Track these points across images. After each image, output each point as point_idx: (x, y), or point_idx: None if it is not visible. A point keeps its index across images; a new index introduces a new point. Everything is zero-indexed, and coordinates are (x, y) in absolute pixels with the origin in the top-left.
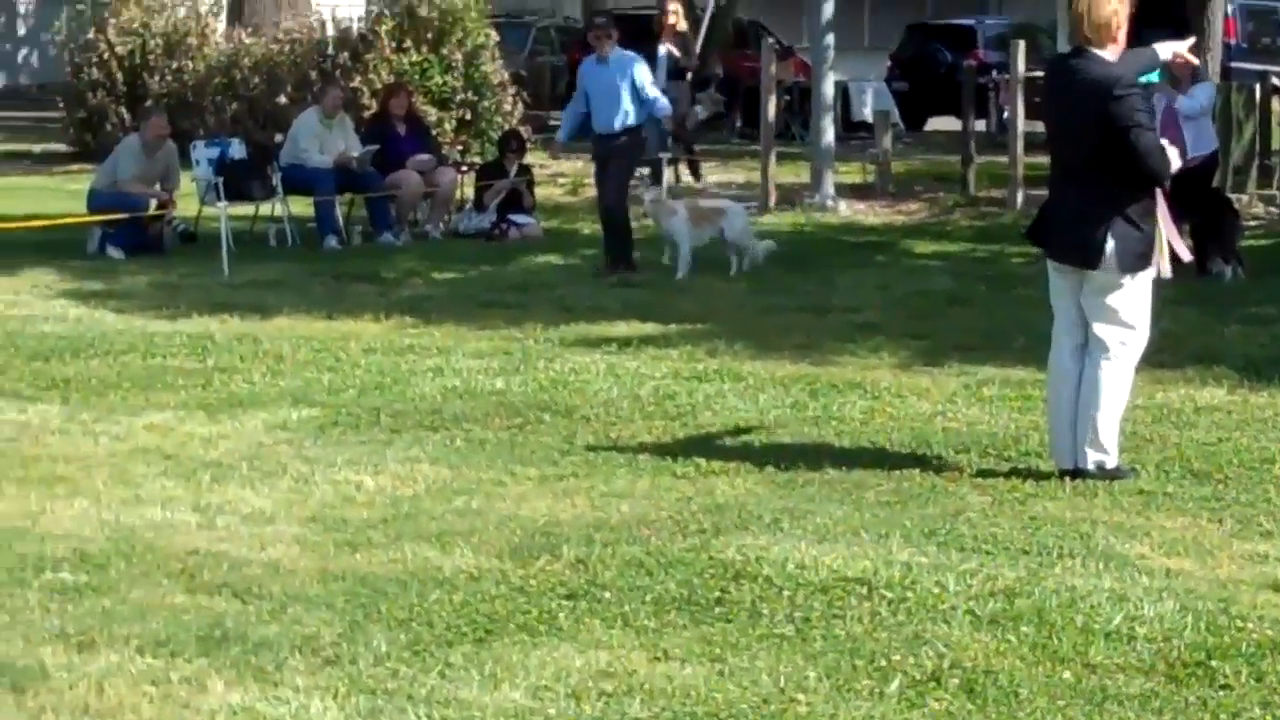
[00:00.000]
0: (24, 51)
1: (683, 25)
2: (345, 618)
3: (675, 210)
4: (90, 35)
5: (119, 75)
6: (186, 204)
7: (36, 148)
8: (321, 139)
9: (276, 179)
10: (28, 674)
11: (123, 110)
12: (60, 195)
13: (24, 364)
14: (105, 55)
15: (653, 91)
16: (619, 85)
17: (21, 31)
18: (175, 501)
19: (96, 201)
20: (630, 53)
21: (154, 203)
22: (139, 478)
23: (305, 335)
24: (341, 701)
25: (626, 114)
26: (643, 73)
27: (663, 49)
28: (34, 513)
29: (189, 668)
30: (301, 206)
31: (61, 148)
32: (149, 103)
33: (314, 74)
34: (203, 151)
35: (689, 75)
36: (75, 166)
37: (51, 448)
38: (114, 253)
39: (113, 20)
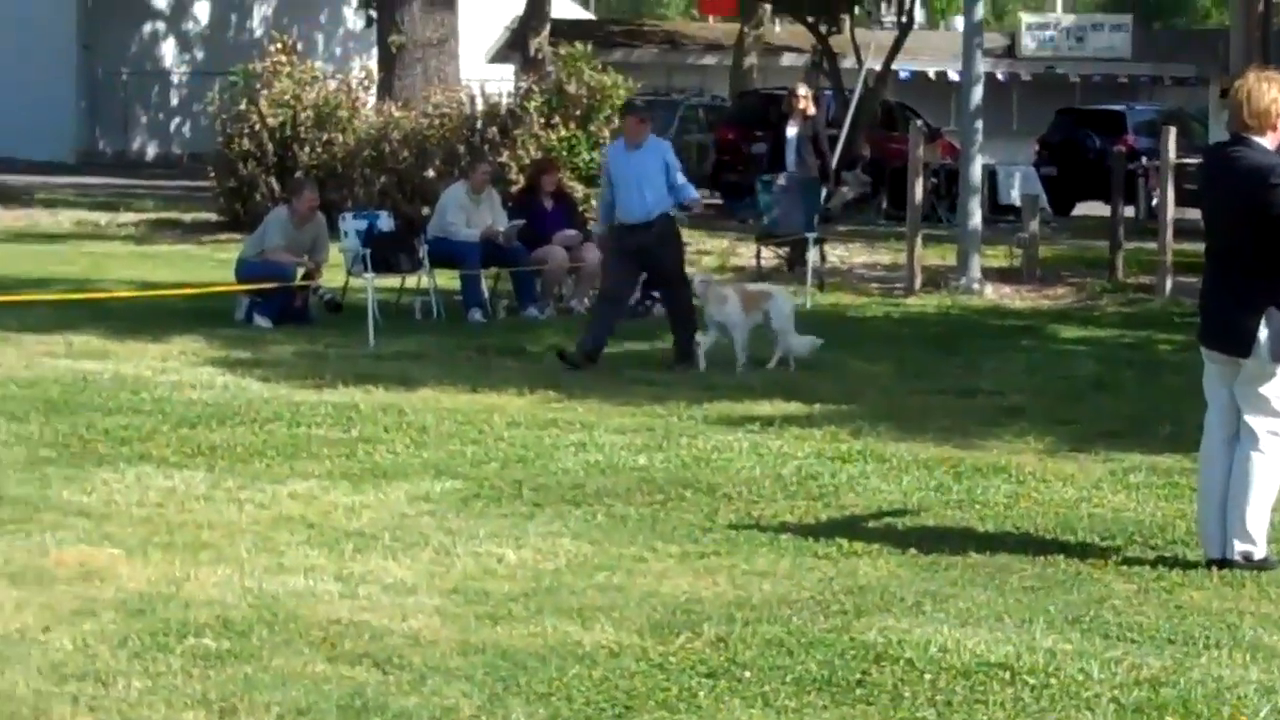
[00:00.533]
0: (176, 121)
1: (811, 109)
2: (485, 690)
3: (726, 297)
4: (242, 106)
5: (270, 146)
6: (334, 275)
7: (187, 216)
8: (469, 213)
9: (423, 252)
10: None
11: (272, 181)
12: (209, 264)
13: (171, 430)
14: (257, 126)
15: (683, 179)
16: (651, 171)
17: (175, 102)
18: (318, 570)
19: (245, 271)
20: (661, 139)
21: (301, 272)
22: (282, 546)
23: (449, 408)
24: None
25: (659, 201)
26: (674, 159)
27: (791, 130)
28: (178, 578)
29: None
30: (447, 280)
31: (212, 217)
32: (299, 174)
33: (462, 148)
34: (351, 223)
35: (829, 157)
36: (225, 235)
37: (196, 514)
38: (261, 322)
39: (265, 92)
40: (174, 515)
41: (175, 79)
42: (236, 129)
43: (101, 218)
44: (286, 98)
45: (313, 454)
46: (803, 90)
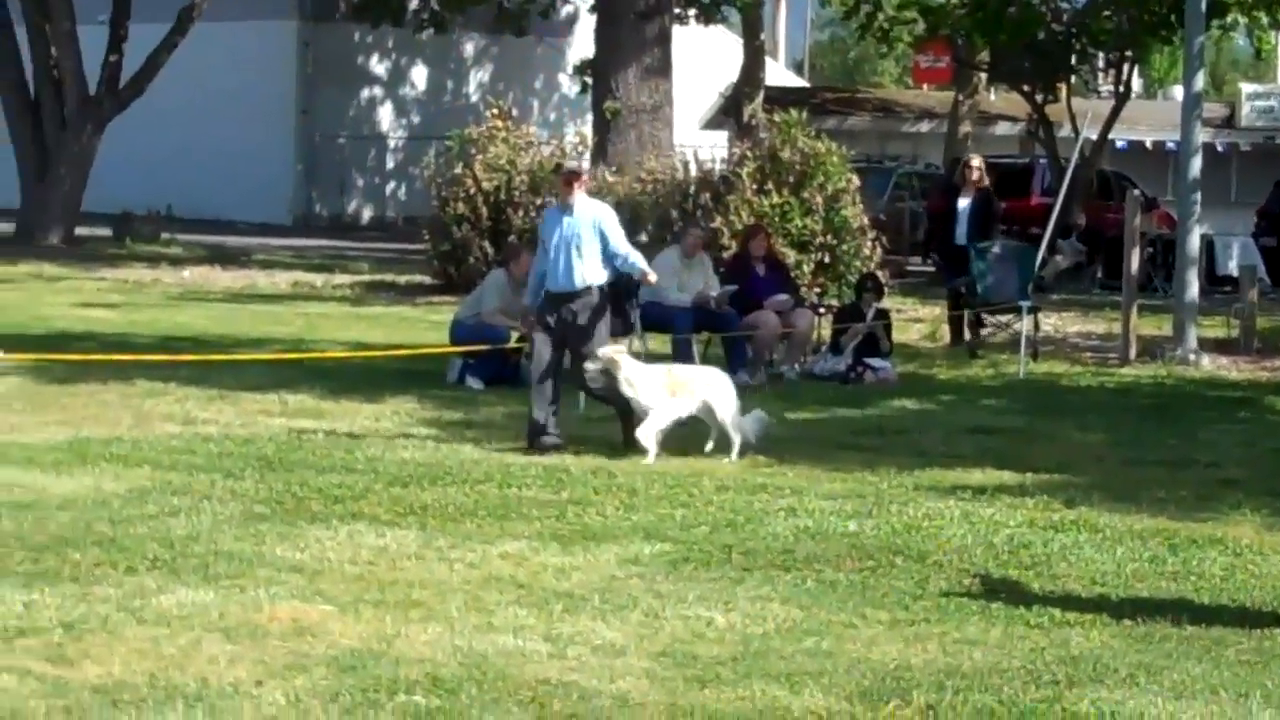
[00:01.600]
0: (391, 185)
1: (985, 181)
2: None
3: (643, 377)
4: (458, 170)
5: (484, 210)
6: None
7: (401, 279)
8: (681, 277)
9: (635, 315)
10: None
11: (486, 244)
12: (422, 325)
13: (384, 489)
14: (471, 190)
15: (624, 248)
16: (581, 237)
17: (390, 165)
18: (527, 630)
19: (459, 333)
20: (600, 203)
21: (515, 336)
22: (492, 605)
23: (659, 471)
24: None
25: (587, 270)
26: (613, 226)
27: (963, 202)
28: (389, 635)
29: None
30: (659, 343)
31: (425, 279)
32: (513, 238)
33: (675, 213)
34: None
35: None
36: (438, 298)
37: (408, 572)
38: (473, 383)
39: (479, 156)
40: (385, 573)
41: (391, 143)
42: (451, 193)
43: (317, 279)
44: (501, 162)
45: (523, 515)
46: (975, 161)
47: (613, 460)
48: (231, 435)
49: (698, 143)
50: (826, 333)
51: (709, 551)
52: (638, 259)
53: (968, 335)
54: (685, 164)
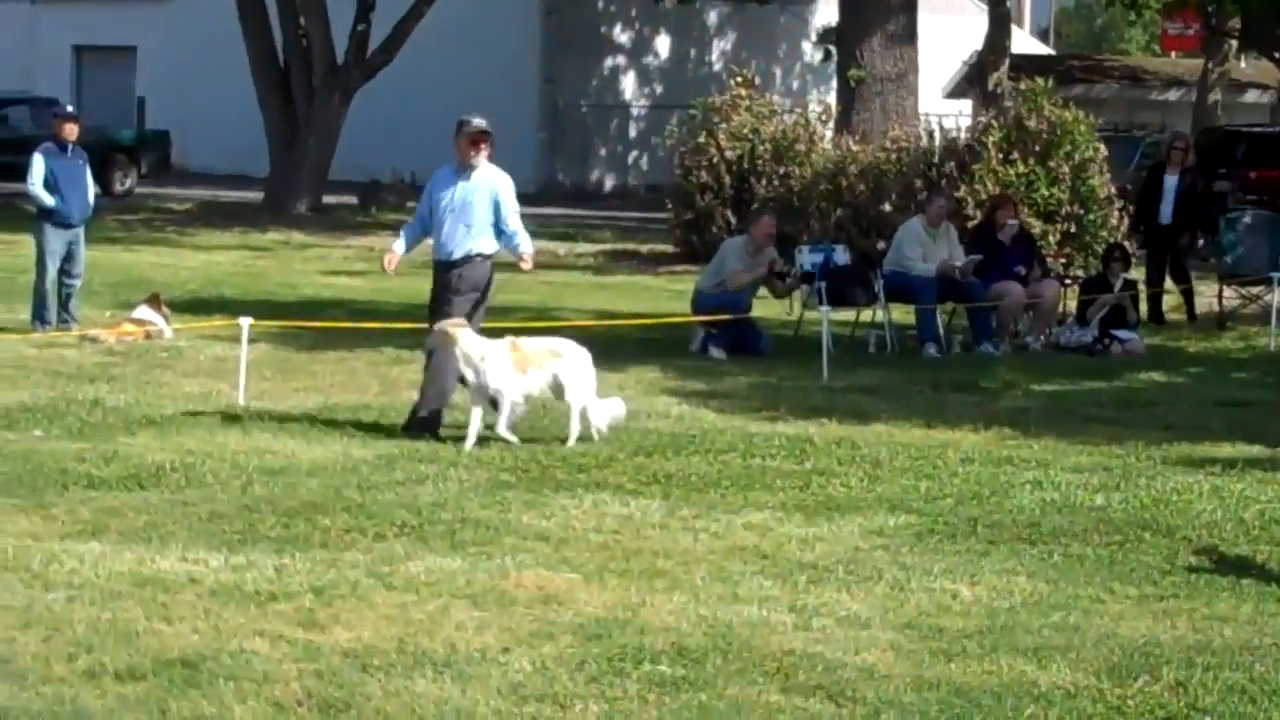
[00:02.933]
0: (634, 154)
1: (1191, 160)
2: None
3: (485, 355)
4: (701, 139)
5: (727, 179)
6: (788, 307)
7: (644, 247)
8: (925, 248)
9: (879, 286)
10: None
11: (729, 213)
12: (665, 295)
13: (628, 459)
14: (714, 159)
15: (516, 224)
16: (474, 206)
17: (633, 134)
18: (772, 601)
19: (701, 303)
20: (500, 171)
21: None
22: (736, 575)
23: (903, 442)
24: None
25: (476, 241)
26: (510, 197)
27: (1170, 180)
28: (634, 604)
29: None
30: (902, 314)
31: (668, 248)
32: (755, 206)
33: (919, 183)
34: (807, 256)
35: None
36: (680, 267)
37: (652, 541)
38: (716, 353)
39: (723, 125)
40: (630, 542)
41: (634, 112)
42: (694, 161)
43: (560, 248)
44: (745, 131)
45: (767, 485)
46: (1181, 142)
47: (857, 430)
48: None
49: (942, 111)
50: (1072, 304)
51: (954, 524)
52: (524, 240)
53: (1198, 310)
54: (930, 133)
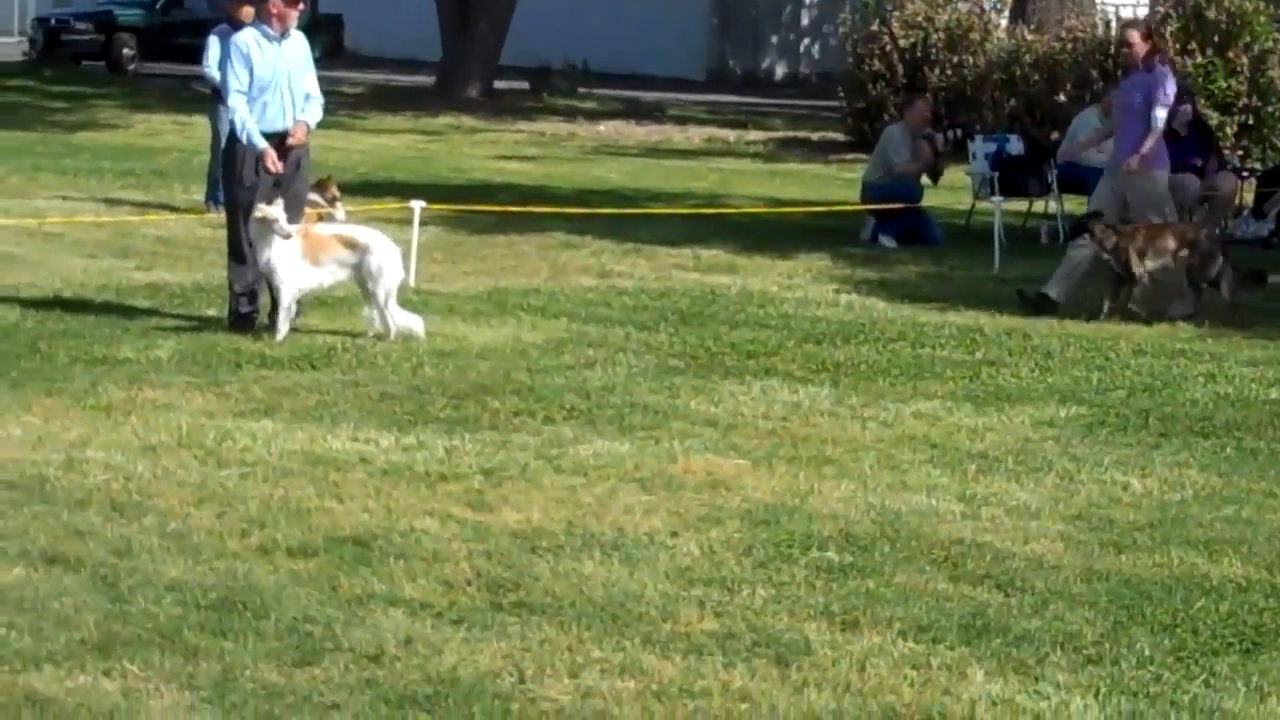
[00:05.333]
0: (806, 42)
1: None
2: (1108, 618)
3: (278, 236)
4: (874, 27)
5: (899, 67)
6: (959, 197)
7: (815, 135)
8: (1101, 138)
9: (1052, 176)
10: (793, 648)
11: (900, 101)
12: (836, 183)
13: (797, 346)
14: (887, 47)
15: (317, 89)
16: (294, 71)
17: (805, 22)
18: (940, 490)
19: (870, 192)
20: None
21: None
22: (905, 464)
23: (1074, 333)
24: (1103, 701)
25: (300, 108)
26: (309, 59)
27: None
28: (802, 491)
29: (949, 655)
30: (1076, 204)
31: (839, 136)
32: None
33: (1095, 73)
34: (980, 146)
35: None
36: (851, 155)
37: (821, 429)
38: (886, 242)
39: (897, 13)
40: (798, 429)
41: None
42: (867, 50)
43: (730, 135)
44: (919, 19)
45: (936, 374)
46: None
47: (1028, 320)
48: (646, 289)
49: (1119, 1)
50: (1249, 197)
51: (1125, 416)
52: (318, 106)
53: None
54: (1106, 22)
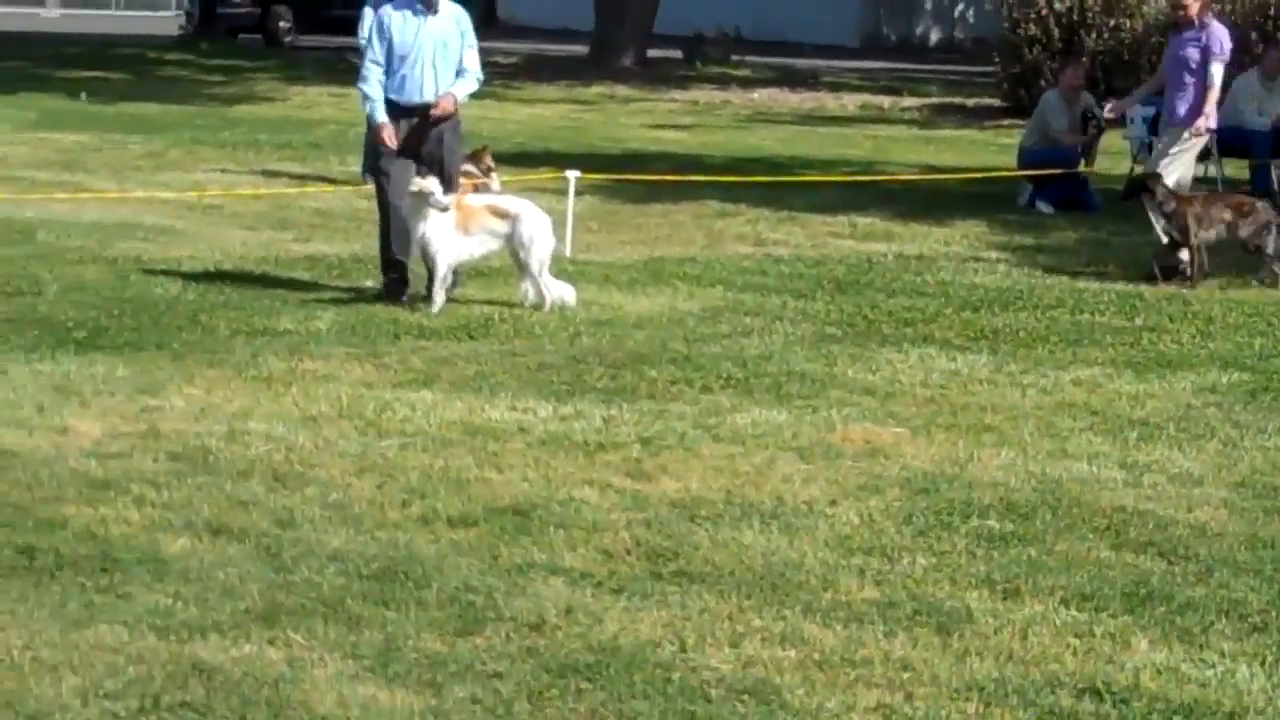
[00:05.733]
0: (960, 6)
1: None
2: (1273, 586)
3: (435, 209)
4: None
5: (1055, 32)
6: (1116, 162)
7: (970, 101)
8: (1260, 101)
9: (1212, 140)
10: (954, 616)
11: (1056, 67)
12: (991, 149)
13: (954, 313)
14: (1043, 12)
15: (475, 64)
16: (446, 44)
17: None
18: (1101, 457)
19: (1026, 158)
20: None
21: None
22: (1065, 431)
23: (1236, 299)
24: (1269, 669)
25: (445, 81)
26: (471, 30)
27: None
28: (962, 459)
29: (1112, 623)
30: (1236, 169)
31: (995, 102)
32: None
33: (1254, 35)
34: (1138, 110)
35: None
36: (1007, 121)
37: (980, 397)
38: (1043, 207)
39: None
40: (957, 397)
41: None
42: (1022, 14)
43: (884, 101)
44: None
45: (1095, 341)
46: None
47: (1188, 288)
48: (802, 257)
49: None
50: None
51: None
52: (472, 80)
53: None
54: None
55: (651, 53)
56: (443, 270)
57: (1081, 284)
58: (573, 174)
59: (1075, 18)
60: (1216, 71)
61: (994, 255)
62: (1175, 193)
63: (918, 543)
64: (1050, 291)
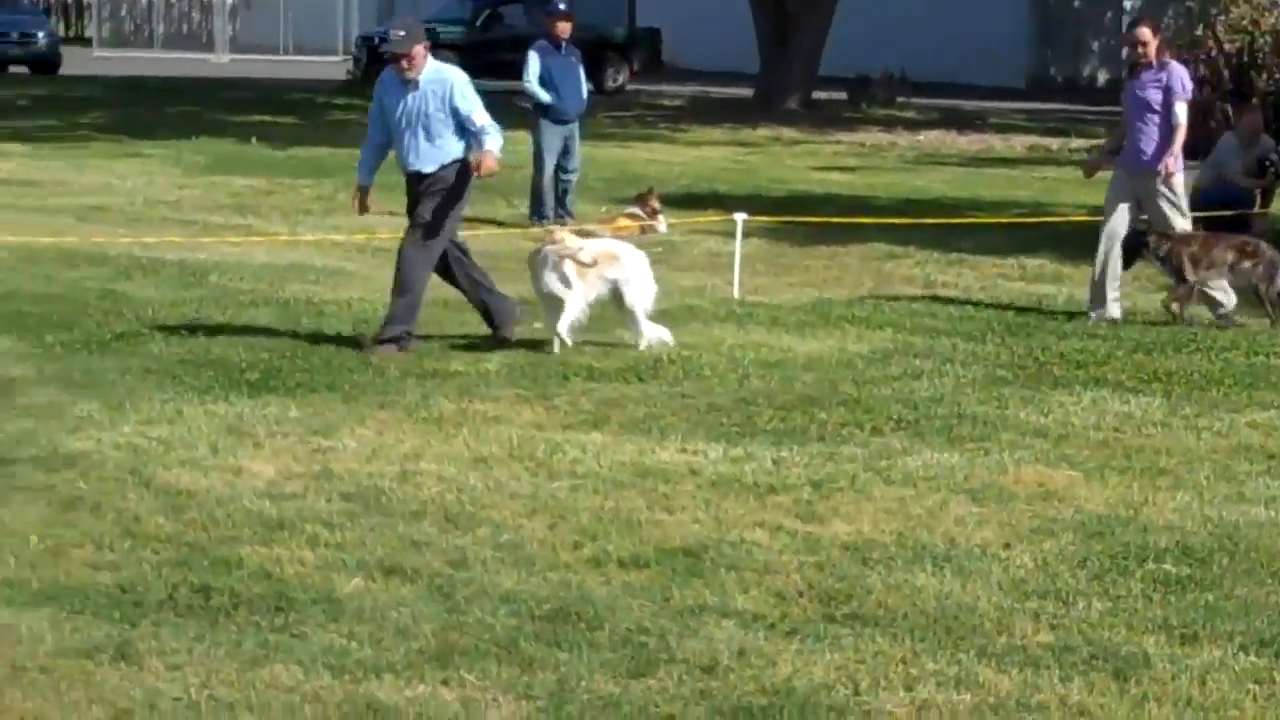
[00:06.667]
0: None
1: None
2: None
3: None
4: (1198, 33)
5: (1225, 72)
6: None
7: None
8: (1244, 161)
9: None
10: (1131, 661)
11: (1227, 107)
12: None
13: (1126, 355)
14: (1212, 52)
15: (481, 118)
16: (430, 114)
17: (1125, 26)
18: (1279, 501)
19: (1201, 199)
20: (447, 67)
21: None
22: (1241, 475)
23: None
24: None
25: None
26: (465, 91)
27: None
28: (1136, 503)
29: None
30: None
31: None
32: (1254, 100)
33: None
34: None
35: None
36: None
37: (1154, 440)
38: None
39: (1221, 17)
40: (1130, 440)
41: (1127, 4)
42: (1192, 55)
43: (1053, 143)
44: (1244, 23)
45: (1271, 384)
46: None
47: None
48: (972, 299)
49: None
50: None
51: None
52: (488, 138)
53: None
54: None
55: (817, 95)
56: (572, 315)
57: (1255, 326)
58: (740, 216)
59: (1245, 58)
60: (1181, 111)
61: (1166, 296)
62: (1167, 234)
63: (1093, 587)
64: (1224, 333)
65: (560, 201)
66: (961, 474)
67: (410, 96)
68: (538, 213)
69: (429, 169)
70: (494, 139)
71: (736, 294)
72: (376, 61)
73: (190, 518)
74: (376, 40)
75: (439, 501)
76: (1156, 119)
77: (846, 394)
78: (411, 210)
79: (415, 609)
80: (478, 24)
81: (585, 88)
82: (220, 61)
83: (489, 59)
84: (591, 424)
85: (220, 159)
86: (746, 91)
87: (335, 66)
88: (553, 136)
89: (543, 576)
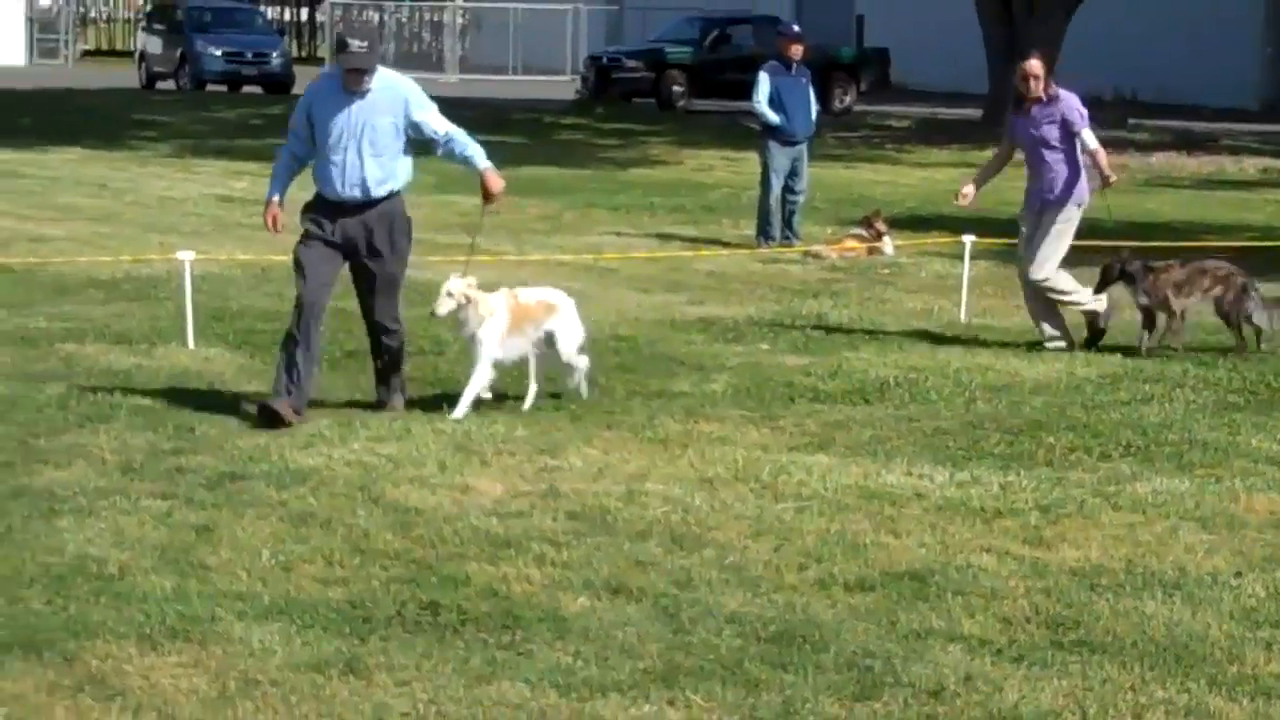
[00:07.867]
0: None
1: None
2: None
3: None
4: None
5: None
6: None
7: None
8: None
9: None
10: None
11: None
12: None
13: None
14: None
15: (444, 124)
16: (378, 126)
17: None
18: None
19: None
20: (394, 76)
21: None
22: None
23: None
24: None
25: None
26: (419, 99)
27: None
28: None
29: None
30: None
31: None
32: None
33: None
34: None
35: None
36: None
37: None
38: None
39: None
40: None
41: None
42: None
43: None
44: None
45: None
46: None
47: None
48: (1203, 324)
49: None
50: None
51: None
52: (475, 149)
53: None
54: None
55: None
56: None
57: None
58: (968, 238)
59: None
60: (1089, 137)
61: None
62: (1149, 264)
63: None
64: None
65: (787, 222)
66: (1192, 501)
67: (354, 107)
68: (764, 233)
69: (378, 193)
70: (478, 149)
71: (964, 317)
72: (606, 81)
73: (418, 535)
74: (606, 61)
75: (664, 522)
76: (1056, 155)
77: (1075, 418)
78: (351, 256)
79: (640, 628)
80: (707, 44)
81: (814, 108)
82: (449, 80)
83: (717, 79)
84: (817, 446)
85: (448, 178)
86: (974, 112)
87: (564, 86)
88: (781, 157)
89: (768, 598)
